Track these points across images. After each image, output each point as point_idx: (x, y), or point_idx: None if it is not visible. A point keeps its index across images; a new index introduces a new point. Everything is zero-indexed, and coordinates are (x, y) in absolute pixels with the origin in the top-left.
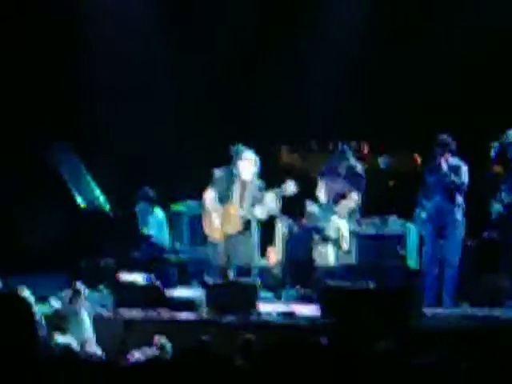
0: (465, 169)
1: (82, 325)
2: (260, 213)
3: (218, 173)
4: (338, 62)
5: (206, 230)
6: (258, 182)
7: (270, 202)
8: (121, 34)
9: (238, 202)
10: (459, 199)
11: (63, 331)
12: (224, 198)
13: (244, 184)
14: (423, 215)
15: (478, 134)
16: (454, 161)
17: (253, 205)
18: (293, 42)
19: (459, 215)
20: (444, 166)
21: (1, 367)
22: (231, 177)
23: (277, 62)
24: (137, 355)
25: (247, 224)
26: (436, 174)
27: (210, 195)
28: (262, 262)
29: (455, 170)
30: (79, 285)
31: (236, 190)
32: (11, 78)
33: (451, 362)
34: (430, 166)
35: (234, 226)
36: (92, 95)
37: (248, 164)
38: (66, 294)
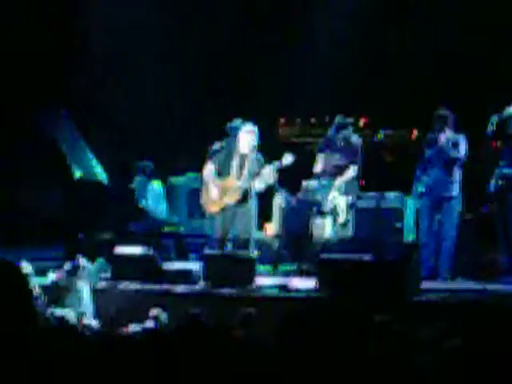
0: (464, 142)
1: (80, 298)
2: (258, 185)
3: (216, 146)
4: (338, 37)
5: (204, 203)
6: (257, 155)
7: (267, 174)
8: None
9: (236, 174)
10: (457, 173)
11: (61, 303)
12: (223, 171)
13: (243, 157)
14: (420, 189)
15: (478, 108)
16: (453, 135)
17: (251, 177)
18: (294, 18)
19: (457, 189)
20: (442, 140)
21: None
22: (230, 150)
23: (276, 38)
24: (133, 327)
25: (245, 196)
26: (434, 147)
27: (208, 168)
28: (260, 235)
29: (454, 143)
30: (80, 258)
31: (235, 162)
32: (10, 46)
33: (447, 336)
34: (428, 139)
35: (232, 198)
36: (92, 65)
37: (248, 136)
38: (66, 266)
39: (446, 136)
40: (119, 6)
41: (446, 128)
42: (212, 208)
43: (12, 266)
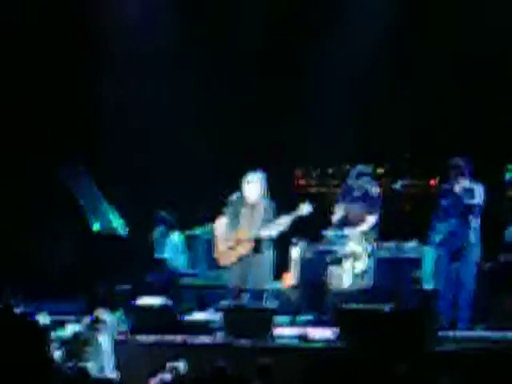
0: (480, 190)
1: (100, 351)
2: (270, 232)
3: (234, 197)
4: (354, 87)
5: (216, 256)
6: (267, 202)
7: (279, 222)
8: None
9: (247, 225)
10: (474, 222)
11: (81, 357)
12: (235, 223)
13: (252, 207)
14: (437, 238)
15: (495, 156)
16: (469, 183)
17: (262, 226)
18: (308, 66)
19: (474, 238)
20: (457, 189)
21: None
22: (241, 201)
23: (292, 87)
24: (154, 381)
25: (259, 245)
26: (450, 196)
27: (221, 222)
28: (276, 285)
29: (469, 192)
30: (101, 310)
31: (244, 213)
32: (30, 97)
33: None
34: (443, 189)
35: (246, 249)
36: (108, 118)
37: (252, 186)
38: (87, 319)
39: (461, 185)
40: (140, 65)
41: (460, 177)
42: (224, 260)
43: (29, 320)
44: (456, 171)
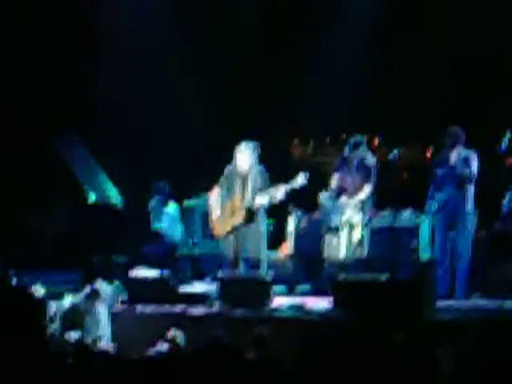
0: (475, 159)
1: (98, 321)
2: (261, 201)
3: (225, 170)
4: (352, 57)
5: (211, 227)
6: (259, 171)
7: (272, 190)
8: (141, 30)
9: (239, 195)
10: (470, 190)
11: (79, 327)
12: (228, 193)
13: (244, 176)
14: (434, 207)
15: (492, 125)
16: (464, 152)
17: (255, 194)
18: (307, 38)
19: (470, 206)
20: (453, 158)
21: (12, 361)
22: (232, 172)
23: (290, 58)
24: (151, 351)
25: (252, 215)
26: (445, 166)
27: (214, 193)
28: (271, 254)
29: (465, 160)
30: (99, 282)
31: (237, 182)
32: (24, 68)
33: (463, 355)
34: (438, 158)
35: (239, 218)
36: (106, 87)
37: (243, 155)
38: (86, 290)
39: (457, 152)
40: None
41: (456, 146)
42: (218, 231)
43: (24, 291)
44: (451, 140)
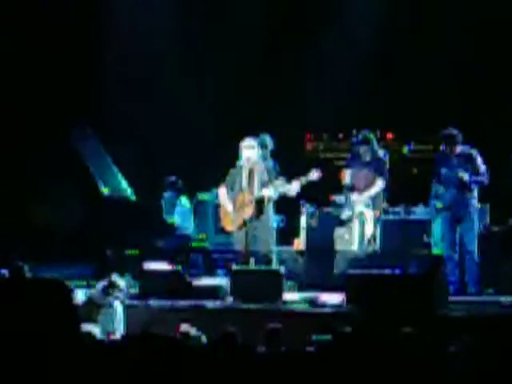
0: (479, 158)
1: (113, 315)
2: (268, 193)
3: (231, 170)
4: (365, 52)
5: (223, 225)
6: (266, 164)
7: (278, 183)
8: (145, 25)
9: (247, 188)
10: (474, 189)
11: (93, 321)
12: (235, 189)
13: (251, 170)
14: (439, 205)
15: (504, 119)
16: (465, 149)
17: (262, 187)
18: (318, 34)
19: (475, 203)
20: (466, 178)
21: (46, 352)
22: (240, 169)
23: (303, 54)
24: None
25: (260, 208)
26: (449, 165)
27: (222, 191)
28: (284, 250)
29: (468, 159)
30: (115, 275)
31: (243, 178)
32: (38, 62)
33: (474, 350)
34: (441, 157)
35: (248, 212)
36: (118, 82)
37: (249, 151)
38: (100, 284)
39: (458, 152)
40: (147, 29)
41: (455, 146)
42: (230, 227)
43: (60, 283)
44: (450, 141)
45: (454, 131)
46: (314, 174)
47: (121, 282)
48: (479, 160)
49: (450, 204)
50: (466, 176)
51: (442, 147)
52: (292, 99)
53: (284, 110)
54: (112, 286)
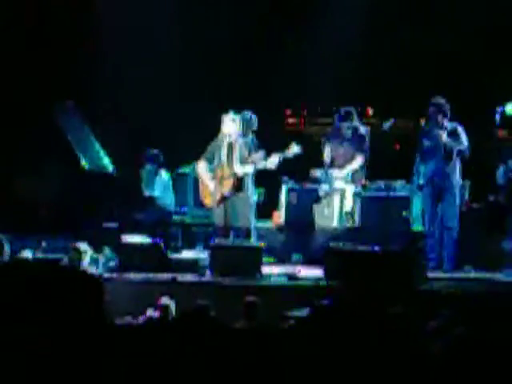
0: (462, 131)
1: None
2: (246, 169)
3: (211, 144)
4: (344, 29)
5: (202, 199)
6: (246, 140)
7: (256, 158)
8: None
9: (226, 163)
10: (457, 162)
11: None
12: (214, 163)
13: (230, 145)
14: (420, 180)
15: (483, 97)
16: (450, 124)
17: (242, 163)
18: (300, 12)
19: (457, 178)
20: (444, 137)
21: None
22: (218, 141)
23: (283, 30)
24: (140, 318)
25: (239, 183)
26: (432, 137)
27: (201, 165)
28: (263, 224)
29: (452, 133)
30: (81, 245)
31: (223, 152)
32: (21, 37)
33: (452, 325)
34: (425, 129)
35: (227, 187)
36: (98, 56)
37: (230, 125)
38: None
39: (442, 125)
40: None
41: (441, 117)
42: (209, 202)
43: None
44: (436, 110)
45: (443, 101)
46: (294, 149)
47: (85, 248)
48: (463, 135)
49: (431, 176)
50: (444, 136)
51: (423, 122)
52: (273, 75)
53: (265, 86)
54: (76, 254)
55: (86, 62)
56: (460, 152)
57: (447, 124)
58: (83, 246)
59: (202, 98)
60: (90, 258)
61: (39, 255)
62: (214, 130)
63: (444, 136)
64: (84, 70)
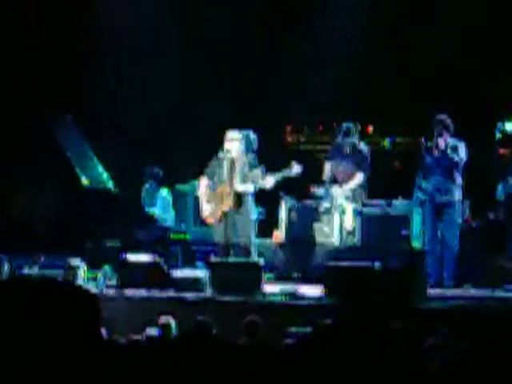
0: (463, 148)
1: None
2: (245, 187)
3: (212, 160)
4: (345, 46)
5: (202, 216)
6: (248, 158)
7: (256, 176)
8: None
9: (228, 181)
10: (458, 178)
11: None
12: (216, 184)
13: (232, 162)
14: (422, 196)
15: (484, 115)
16: (452, 141)
17: (243, 181)
18: (300, 27)
19: (458, 195)
20: (442, 145)
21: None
22: (220, 159)
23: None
24: (140, 336)
25: (240, 201)
26: (434, 153)
27: (202, 183)
28: (263, 242)
29: (454, 149)
30: (73, 260)
31: (224, 170)
32: (20, 49)
33: (452, 343)
34: (428, 145)
35: (228, 205)
36: (99, 72)
37: (232, 143)
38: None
39: (445, 141)
40: (133, 11)
41: (444, 133)
42: (210, 220)
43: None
44: (441, 127)
45: (447, 118)
46: (294, 167)
47: (77, 263)
48: (462, 150)
49: (431, 192)
50: (442, 144)
51: (423, 139)
52: (273, 92)
53: (265, 103)
54: (71, 271)
55: (84, 63)
56: (456, 164)
57: (450, 140)
58: (76, 261)
59: (203, 116)
60: (87, 275)
61: (36, 272)
62: (214, 148)
63: (442, 144)
64: (83, 71)
